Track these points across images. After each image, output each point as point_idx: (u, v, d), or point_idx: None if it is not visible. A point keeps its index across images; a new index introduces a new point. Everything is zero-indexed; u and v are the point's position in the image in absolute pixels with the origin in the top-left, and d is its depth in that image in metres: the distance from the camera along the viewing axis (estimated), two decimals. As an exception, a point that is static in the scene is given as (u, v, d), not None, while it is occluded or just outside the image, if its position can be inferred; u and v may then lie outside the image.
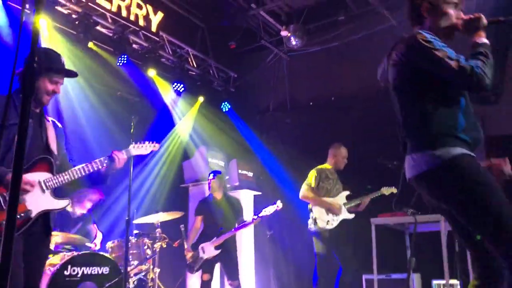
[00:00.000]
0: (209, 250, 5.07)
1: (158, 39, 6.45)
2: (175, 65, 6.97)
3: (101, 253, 4.54)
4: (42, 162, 2.60)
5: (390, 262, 5.09)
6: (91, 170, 2.76)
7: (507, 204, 1.93)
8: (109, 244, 4.93)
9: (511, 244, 1.88)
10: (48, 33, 5.15)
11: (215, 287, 5.85)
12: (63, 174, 2.67)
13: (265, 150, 7.37)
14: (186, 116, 7.32)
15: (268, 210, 5.03)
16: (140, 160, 6.39)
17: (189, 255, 5.13)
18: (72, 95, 5.60)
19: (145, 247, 5.00)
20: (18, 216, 2.38)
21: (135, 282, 4.83)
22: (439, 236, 4.36)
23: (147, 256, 4.94)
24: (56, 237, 4.42)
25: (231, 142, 7.38)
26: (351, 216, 5.13)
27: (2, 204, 2.41)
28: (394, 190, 5.18)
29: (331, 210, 5.03)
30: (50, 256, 4.27)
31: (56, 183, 2.62)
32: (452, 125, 2.07)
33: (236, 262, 5.26)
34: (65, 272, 3.99)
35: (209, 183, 5.44)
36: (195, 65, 7.35)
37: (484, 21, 2.15)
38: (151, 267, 4.92)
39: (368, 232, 4.68)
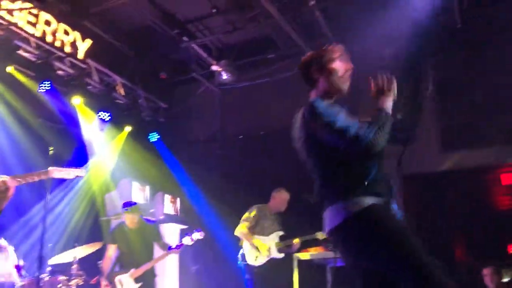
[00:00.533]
0: (128, 283, 4.85)
1: (84, 66, 6.27)
2: (102, 93, 6.78)
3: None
4: None
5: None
6: None
7: (421, 248, 1.94)
8: (18, 283, 4.56)
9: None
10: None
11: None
12: None
13: (192, 183, 7.28)
14: (111, 146, 7.04)
15: (186, 241, 5.01)
16: (57, 189, 6.04)
17: None
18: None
19: (60, 285, 4.68)
20: None
21: (47, 324, 4.48)
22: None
23: (61, 295, 4.64)
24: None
25: (158, 174, 7.20)
26: (281, 255, 5.23)
27: None
28: None
29: (259, 250, 5.13)
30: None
31: None
32: (361, 176, 2.08)
33: None
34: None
35: (123, 216, 5.24)
36: (123, 94, 7.19)
37: (393, 85, 2.17)
38: (65, 306, 4.61)
39: (292, 267, 4.76)
